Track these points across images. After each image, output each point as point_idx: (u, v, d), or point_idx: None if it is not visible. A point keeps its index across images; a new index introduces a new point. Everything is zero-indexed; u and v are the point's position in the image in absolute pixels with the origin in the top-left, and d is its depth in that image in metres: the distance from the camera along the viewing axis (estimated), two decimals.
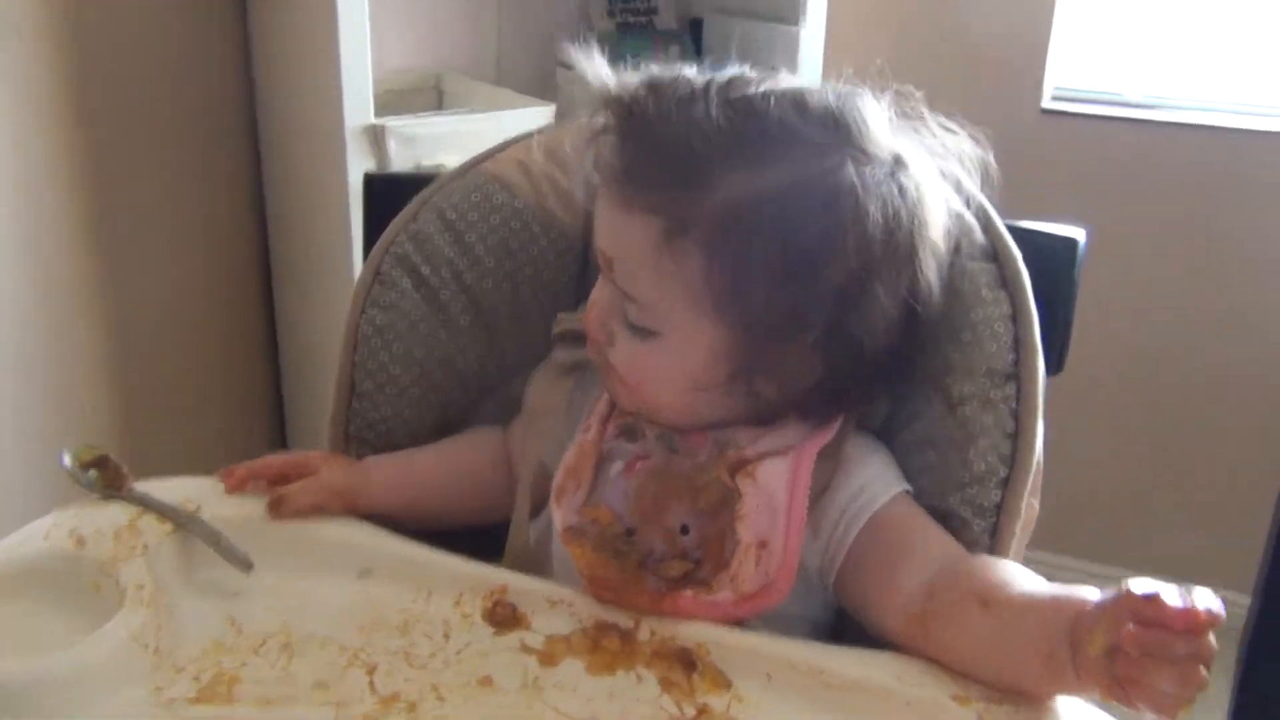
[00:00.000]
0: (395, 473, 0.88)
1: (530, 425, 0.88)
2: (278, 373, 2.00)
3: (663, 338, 0.76)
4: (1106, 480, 2.28)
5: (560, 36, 2.00)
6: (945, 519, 0.78)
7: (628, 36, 2.10)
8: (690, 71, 0.76)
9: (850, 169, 0.72)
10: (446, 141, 1.72)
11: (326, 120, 1.68)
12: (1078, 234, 0.95)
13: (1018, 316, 0.79)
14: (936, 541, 0.76)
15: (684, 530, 0.78)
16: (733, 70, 0.76)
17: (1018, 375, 0.78)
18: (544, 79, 2.06)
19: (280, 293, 1.96)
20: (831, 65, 1.97)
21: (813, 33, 1.95)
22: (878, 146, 0.75)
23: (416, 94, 1.98)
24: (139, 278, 1.71)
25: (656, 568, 0.76)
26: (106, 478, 0.82)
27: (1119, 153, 2.08)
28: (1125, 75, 2.11)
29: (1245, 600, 1.60)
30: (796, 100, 0.74)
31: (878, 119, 0.76)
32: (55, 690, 0.66)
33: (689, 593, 0.75)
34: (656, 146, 0.73)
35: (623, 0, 2.13)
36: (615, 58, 0.80)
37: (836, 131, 0.74)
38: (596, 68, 0.77)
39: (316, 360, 1.89)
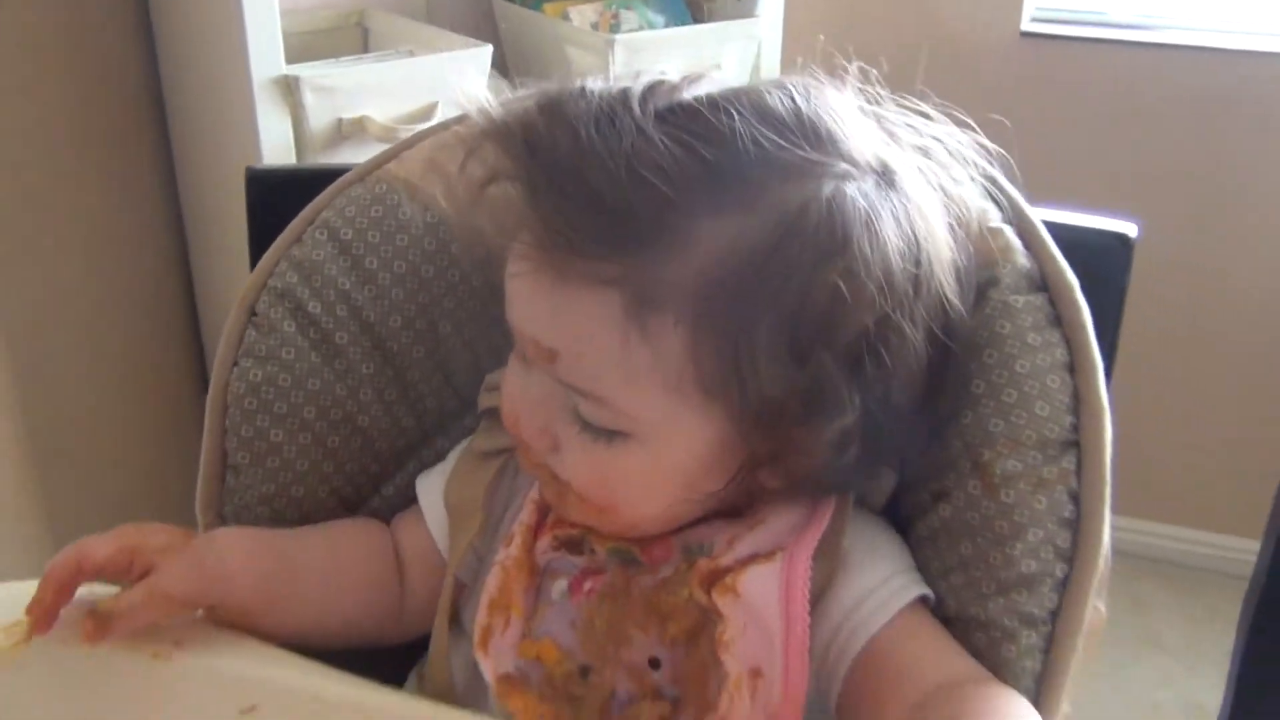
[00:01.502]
0: (258, 557, 0.68)
1: (452, 528, 0.71)
2: (203, 362, 1.84)
3: (636, 439, 0.60)
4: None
5: None
6: (983, 629, 0.63)
7: None
8: (593, 83, 0.58)
9: (853, 190, 0.56)
10: (372, 91, 1.54)
11: (230, 73, 1.50)
12: (1129, 229, 0.78)
13: (1077, 365, 0.64)
14: (942, 657, 0.61)
15: (654, 664, 0.63)
16: (648, 76, 0.58)
17: (1078, 444, 0.63)
18: (480, 16, 1.88)
19: (199, 280, 1.80)
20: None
21: None
22: (864, 155, 0.59)
23: (336, 35, 1.79)
24: (43, 273, 1.55)
25: (624, 714, 0.61)
26: None
27: (1104, 77, 2.00)
28: None
29: (1255, 546, 1.52)
30: (758, 108, 0.57)
31: (855, 119, 0.60)
32: None
33: None
34: (590, 195, 0.54)
35: None
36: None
37: (819, 144, 0.57)
38: (472, 89, 0.59)
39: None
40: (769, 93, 0.58)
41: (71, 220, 1.60)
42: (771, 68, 1.84)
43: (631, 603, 0.63)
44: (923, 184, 0.62)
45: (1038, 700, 0.61)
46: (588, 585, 0.64)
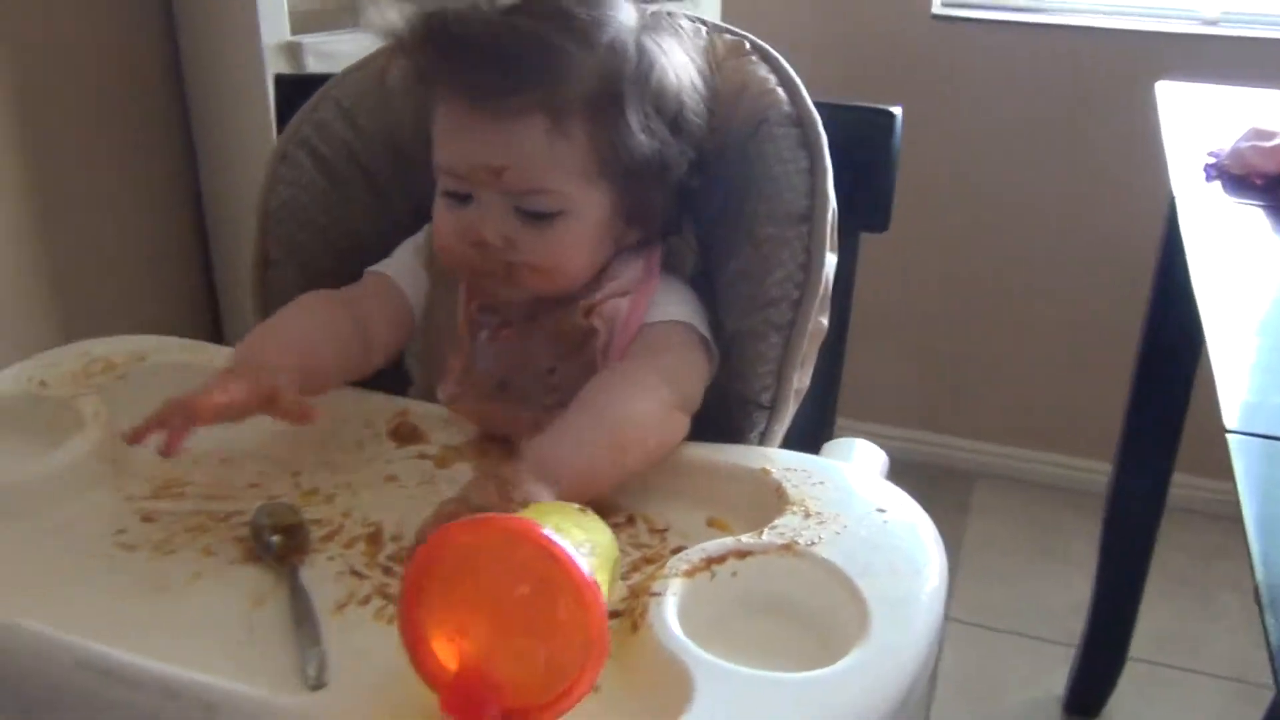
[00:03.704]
0: (287, 353, 0.87)
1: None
2: (211, 282, 2.12)
3: (566, 215, 0.88)
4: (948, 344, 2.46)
5: None
6: (750, 335, 0.94)
7: None
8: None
9: (642, 35, 0.89)
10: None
11: (244, 39, 1.78)
12: (895, 111, 1.10)
13: (814, 170, 0.94)
14: (653, 344, 0.91)
15: (551, 371, 0.94)
16: None
17: (811, 217, 0.93)
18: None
19: (210, 211, 2.06)
20: None
21: None
22: (632, 18, 0.91)
23: (332, 13, 2.05)
24: (68, 198, 1.81)
25: (532, 403, 0.91)
26: (284, 548, 0.77)
27: (1006, 55, 2.21)
28: None
29: (1106, 468, 1.79)
30: None
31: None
32: (24, 494, 0.79)
33: (562, 409, 0.91)
34: (508, 58, 0.84)
35: None
36: None
37: (611, 10, 0.89)
38: (382, 11, 0.88)
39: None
40: None
41: (102, 170, 1.87)
42: None
43: (535, 335, 0.93)
44: (677, 41, 0.93)
45: (778, 375, 0.93)
46: (503, 333, 0.94)
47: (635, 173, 0.89)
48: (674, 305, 0.94)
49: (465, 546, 0.60)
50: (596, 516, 0.71)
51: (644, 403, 0.85)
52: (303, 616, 0.70)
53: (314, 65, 1.81)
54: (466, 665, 0.59)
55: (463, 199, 0.89)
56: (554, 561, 0.58)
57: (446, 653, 0.60)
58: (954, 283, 2.39)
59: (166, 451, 0.76)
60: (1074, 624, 1.90)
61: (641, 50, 0.88)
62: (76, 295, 1.84)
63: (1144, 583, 1.80)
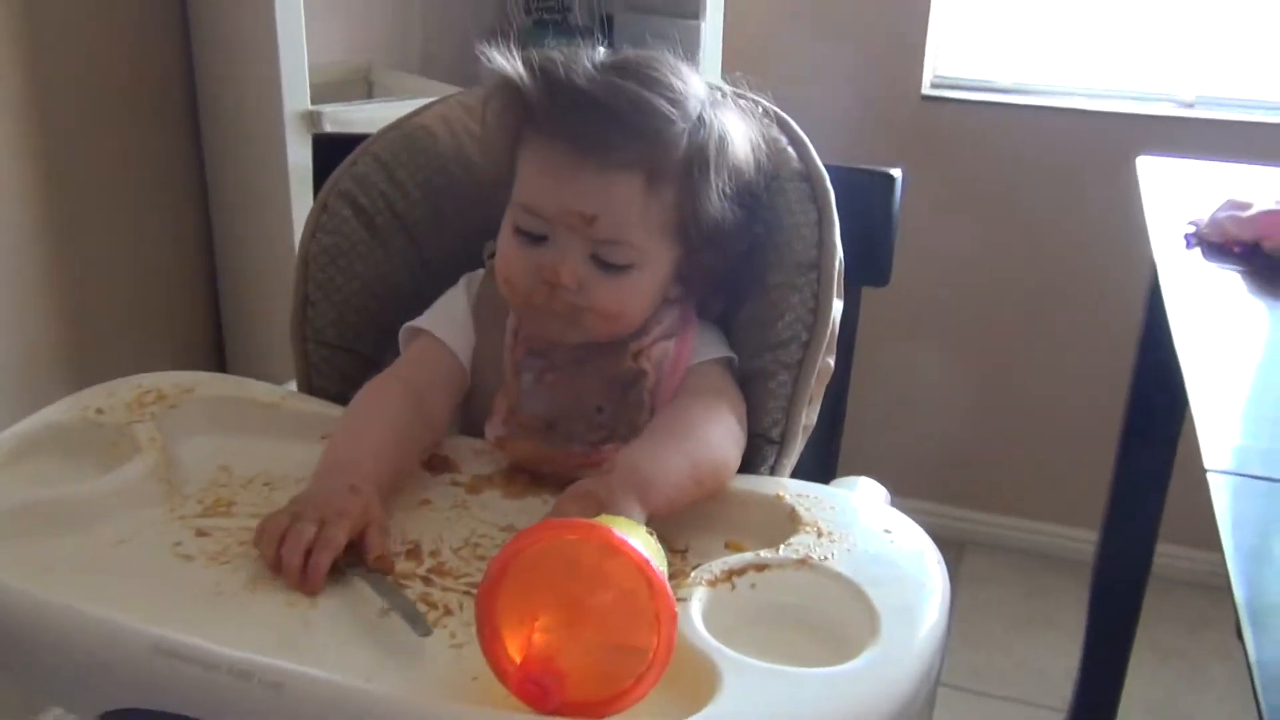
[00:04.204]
0: (378, 478, 0.88)
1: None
2: (221, 348, 2.17)
3: (637, 268, 0.95)
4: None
5: (481, 31, 2.21)
6: (761, 374, 1.01)
7: (544, 32, 2.31)
8: (583, 54, 0.96)
9: (720, 113, 0.98)
10: (379, 125, 1.86)
11: (266, 107, 1.85)
12: (895, 173, 1.19)
13: (822, 222, 1.02)
14: (703, 383, 0.99)
15: (599, 410, 1.00)
16: (605, 51, 0.98)
17: (819, 265, 1.01)
18: (466, 70, 2.20)
19: (223, 271, 2.12)
20: (729, 55, 2.19)
21: (712, 27, 2.18)
22: (704, 96, 0.99)
23: (348, 85, 2.16)
24: (87, 258, 1.87)
25: (579, 441, 0.98)
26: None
27: (991, 132, 2.32)
28: (997, 64, 2.35)
29: (1093, 536, 1.84)
30: (661, 63, 0.97)
31: (694, 78, 1.00)
32: (86, 509, 0.85)
33: (610, 446, 0.96)
34: (620, 117, 0.92)
35: None
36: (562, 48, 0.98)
37: (693, 89, 0.97)
38: (509, 60, 0.95)
39: (257, 326, 2.06)
40: (664, 58, 0.98)
41: (120, 210, 1.93)
42: None
43: (584, 377, 0.99)
44: (740, 117, 1.01)
45: (788, 412, 0.99)
46: (548, 377, 1.00)
47: (706, 237, 0.97)
48: (713, 346, 1.02)
49: (559, 544, 0.66)
50: (658, 542, 0.76)
51: (723, 438, 0.93)
52: (385, 589, 0.77)
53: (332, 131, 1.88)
54: (536, 654, 0.65)
55: (538, 239, 0.95)
56: (648, 584, 0.65)
57: (516, 640, 0.65)
58: (943, 351, 2.46)
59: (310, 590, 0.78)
60: (1067, 689, 1.93)
61: (720, 125, 0.97)
62: (86, 328, 1.89)
63: (1130, 652, 1.83)
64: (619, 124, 0.92)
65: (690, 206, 0.95)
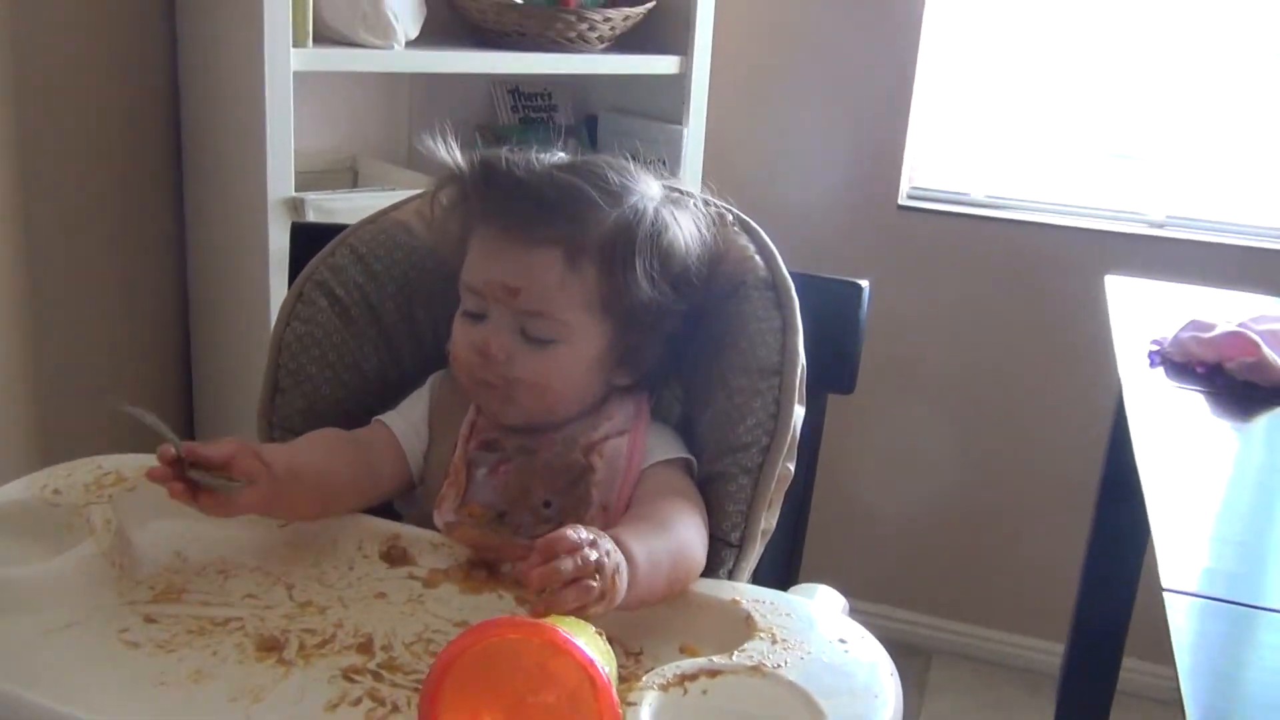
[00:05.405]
0: (305, 458, 0.96)
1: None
2: (191, 416, 2.17)
3: (561, 343, 0.99)
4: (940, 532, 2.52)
5: (468, 127, 2.25)
6: (721, 476, 1.02)
7: (529, 130, 2.35)
8: (517, 151, 1.01)
9: (660, 206, 1.02)
10: (360, 214, 1.87)
11: (251, 192, 1.88)
12: (863, 283, 1.21)
13: (786, 329, 1.04)
14: (666, 484, 1.00)
15: (547, 504, 1.00)
16: (548, 151, 1.03)
17: (781, 371, 1.02)
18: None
19: (198, 353, 2.13)
20: (710, 160, 2.24)
21: (695, 132, 2.23)
22: (654, 191, 1.04)
23: (333, 174, 2.18)
24: (62, 332, 1.88)
25: (525, 533, 0.98)
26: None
27: (964, 243, 2.36)
28: (971, 178, 2.39)
29: (1059, 649, 1.83)
30: (610, 164, 1.02)
31: (647, 177, 1.05)
32: (38, 589, 0.84)
33: None
34: (545, 200, 0.98)
35: (525, 98, 2.38)
36: (521, 148, 1.03)
37: (633, 181, 1.02)
38: (450, 150, 1.03)
39: (229, 405, 2.06)
40: (607, 158, 1.03)
41: (100, 287, 1.95)
42: None
43: (534, 471, 1.00)
44: (691, 216, 1.05)
45: (747, 516, 1.00)
46: (502, 469, 1.01)
47: (633, 315, 0.99)
48: (669, 446, 1.03)
49: (503, 643, 0.66)
50: (607, 643, 0.76)
51: (694, 539, 0.94)
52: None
53: (314, 219, 1.90)
54: None
55: (478, 317, 1.00)
56: (591, 684, 0.65)
57: None
58: (910, 459, 2.47)
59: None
60: None
61: (658, 215, 1.00)
62: (55, 400, 1.89)
63: None
64: (545, 206, 0.98)
65: (612, 284, 0.98)
